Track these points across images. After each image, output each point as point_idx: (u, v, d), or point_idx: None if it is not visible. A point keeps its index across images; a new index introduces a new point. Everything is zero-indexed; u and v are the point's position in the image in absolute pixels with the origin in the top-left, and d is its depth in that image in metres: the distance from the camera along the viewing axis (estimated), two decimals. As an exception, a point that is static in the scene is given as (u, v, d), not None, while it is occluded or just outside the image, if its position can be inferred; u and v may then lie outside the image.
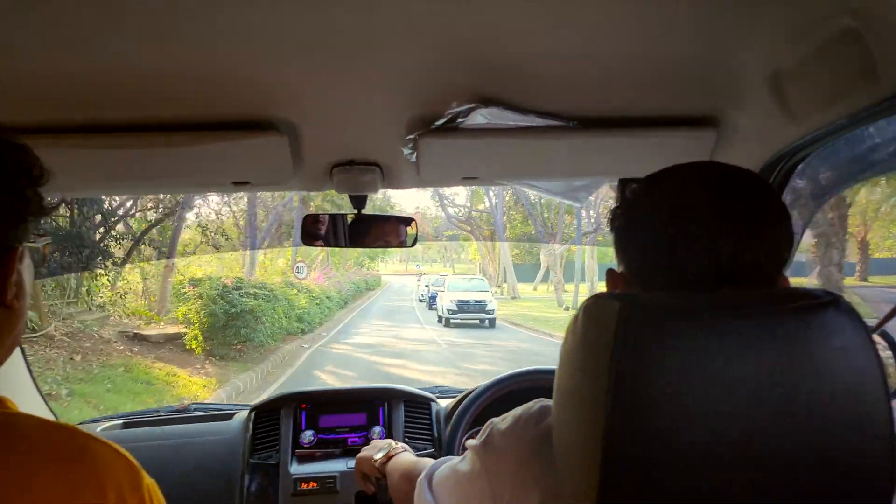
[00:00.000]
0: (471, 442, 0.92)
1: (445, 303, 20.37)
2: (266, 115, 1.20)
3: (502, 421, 0.88)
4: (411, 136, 1.26)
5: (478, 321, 19.98)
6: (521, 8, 0.88)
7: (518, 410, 0.87)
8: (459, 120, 1.18)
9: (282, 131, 1.23)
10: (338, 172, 1.46)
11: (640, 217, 0.78)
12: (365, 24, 0.90)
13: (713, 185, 0.75)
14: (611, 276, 0.83)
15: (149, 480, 0.76)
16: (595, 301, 0.64)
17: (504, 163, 1.41)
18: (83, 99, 1.10)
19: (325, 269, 26.28)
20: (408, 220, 1.73)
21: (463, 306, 19.87)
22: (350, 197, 1.61)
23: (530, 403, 0.87)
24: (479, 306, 19.94)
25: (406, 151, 1.31)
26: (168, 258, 15.20)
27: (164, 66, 1.01)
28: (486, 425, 0.90)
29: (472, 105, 1.13)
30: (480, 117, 1.17)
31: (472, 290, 21.34)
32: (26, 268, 0.76)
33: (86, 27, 0.88)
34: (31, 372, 1.80)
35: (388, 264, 76.74)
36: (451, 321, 19.76)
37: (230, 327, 11.64)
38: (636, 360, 0.58)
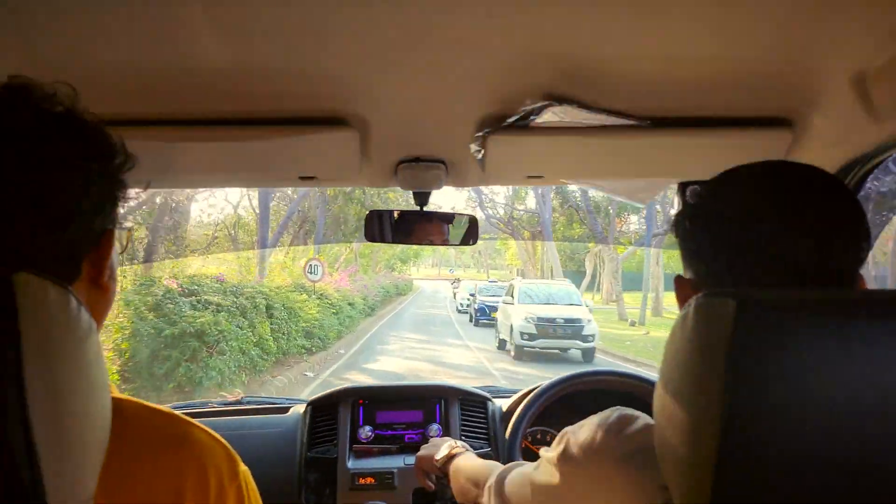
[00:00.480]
0: (546, 451, 0.91)
1: (518, 322, 13.49)
2: (338, 110, 1.22)
3: (579, 430, 0.86)
4: (479, 134, 1.26)
5: (562, 351, 13.65)
6: (602, 9, 0.88)
7: (595, 419, 0.85)
8: (530, 118, 1.18)
9: (352, 127, 1.25)
10: (403, 168, 1.48)
11: (712, 219, 0.76)
12: (445, 25, 0.91)
13: (789, 184, 0.73)
14: (679, 282, 0.81)
15: (244, 468, 0.79)
16: (706, 299, 0.62)
17: (571, 161, 1.41)
18: (161, 92, 1.13)
19: (350, 270, 22.60)
20: (470, 218, 1.74)
21: (547, 328, 13.28)
22: (413, 193, 1.62)
23: (608, 412, 0.85)
24: (573, 329, 13.40)
25: (473, 149, 1.32)
26: (145, 262, 12.56)
27: (243, 62, 1.03)
28: (560, 434, 0.89)
29: (544, 103, 1.13)
30: (551, 115, 1.17)
31: (559, 301, 14.69)
32: (115, 251, 0.79)
33: (168, 22, 0.90)
34: None
35: (420, 268, 73.84)
36: (527, 349, 13.26)
37: (162, 358, 7.35)
38: (755, 361, 0.57)
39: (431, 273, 72.40)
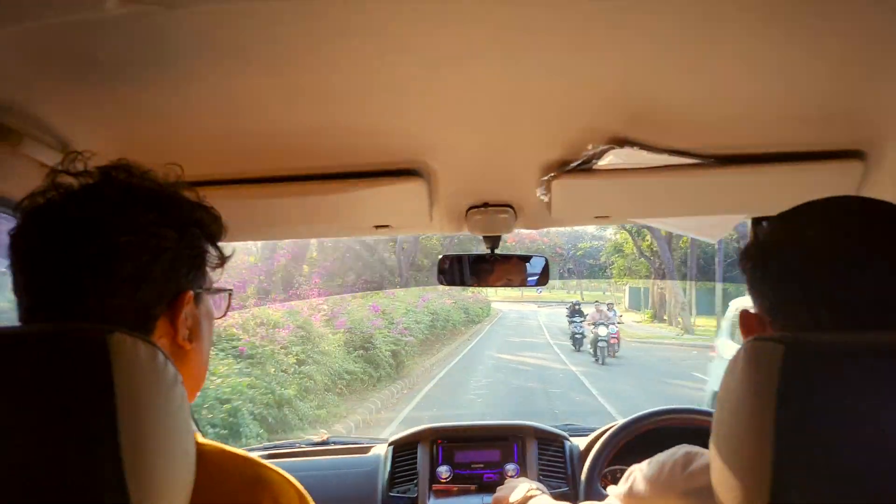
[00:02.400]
0: (614, 489, 0.92)
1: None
2: (409, 162, 1.28)
3: (645, 467, 0.87)
4: (545, 178, 1.30)
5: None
6: (661, 52, 0.90)
7: (662, 457, 0.87)
8: (593, 161, 1.22)
9: (422, 177, 1.31)
10: (472, 214, 1.53)
11: (779, 254, 0.76)
12: (509, 77, 0.96)
13: (858, 219, 0.72)
14: (745, 316, 0.80)
15: None
16: (756, 342, 0.62)
17: (637, 201, 1.43)
18: (246, 154, 1.23)
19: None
20: (541, 259, 1.78)
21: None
22: (483, 238, 1.68)
23: (674, 450, 0.87)
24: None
25: (539, 193, 1.36)
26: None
27: (320, 122, 1.10)
28: (628, 471, 0.90)
29: (607, 146, 1.16)
30: (615, 157, 1.20)
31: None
32: (205, 313, 0.85)
33: (253, 91, 0.99)
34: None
35: (499, 290, 70.44)
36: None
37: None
38: (803, 406, 0.57)
39: (512, 294, 61.44)
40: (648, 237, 24.75)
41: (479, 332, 22.75)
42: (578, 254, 38.61)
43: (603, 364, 14.57)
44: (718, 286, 21.55)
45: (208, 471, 0.74)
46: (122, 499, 0.57)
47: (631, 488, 0.87)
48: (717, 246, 20.27)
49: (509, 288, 1.85)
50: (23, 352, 0.59)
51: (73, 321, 0.70)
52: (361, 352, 10.97)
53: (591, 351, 15.57)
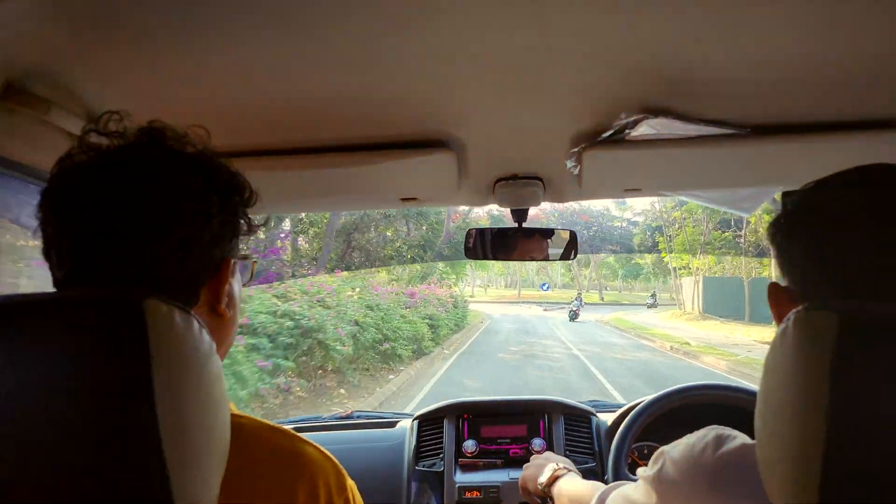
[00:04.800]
0: (643, 471, 0.91)
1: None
2: (437, 133, 1.27)
3: (674, 449, 0.86)
4: (575, 150, 1.28)
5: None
6: (695, 15, 0.87)
7: (692, 438, 0.85)
8: (626, 131, 1.19)
9: (451, 148, 1.30)
10: (500, 187, 1.51)
11: (806, 226, 0.75)
12: (539, 44, 0.94)
13: (885, 187, 0.71)
14: (774, 290, 0.80)
15: (351, 482, 0.84)
16: (807, 312, 0.60)
17: (670, 173, 1.40)
18: (274, 124, 1.22)
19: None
20: (571, 233, 1.75)
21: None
22: (511, 211, 1.66)
23: (704, 431, 0.85)
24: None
25: (569, 164, 1.33)
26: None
27: (349, 91, 1.09)
28: (657, 453, 0.89)
29: (640, 116, 1.13)
30: (647, 128, 1.17)
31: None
32: (237, 281, 0.85)
33: (282, 59, 0.98)
34: None
35: (491, 287, 58.21)
36: None
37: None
38: (860, 377, 0.56)
39: (507, 294, 53.71)
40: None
41: (447, 359, 13.67)
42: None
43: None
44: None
45: (245, 444, 0.74)
46: (160, 467, 0.57)
47: (660, 471, 0.85)
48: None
49: (535, 261, 1.82)
50: (58, 317, 0.59)
51: (118, 286, 0.69)
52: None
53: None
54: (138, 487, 0.58)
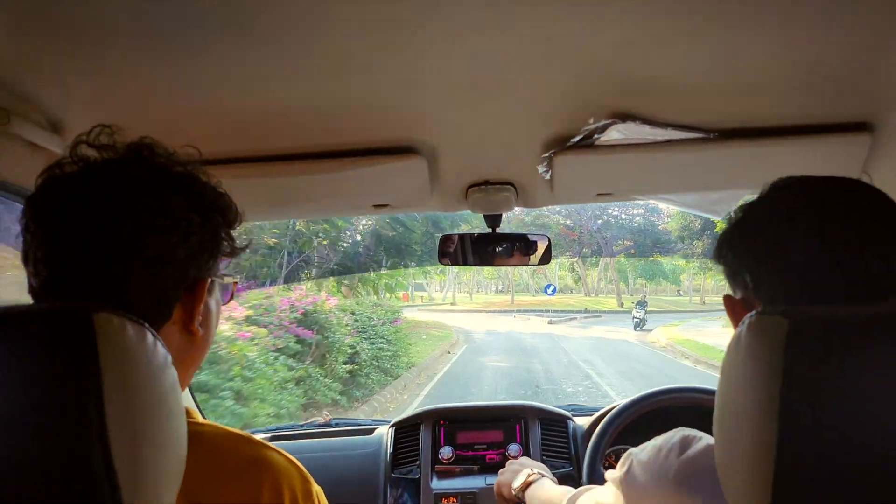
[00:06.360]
0: (611, 473, 0.92)
1: None
2: (408, 139, 1.27)
3: (642, 451, 0.88)
4: (546, 155, 1.28)
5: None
6: (659, 22, 0.88)
7: (658, 440, 0.87)
8: (595, 136, 1.20)
9: (422, 154, 1.30)
10: (473, 192, 1.51)
11: (748, 237, 0.77)
12: (506, 51, 0.94)
13: (821, 195, 0.73)
14: (729, 302, 0.81)
15: (317, 488, 0.83)
16: (758, 317, 0.62)
17: (640, 177, 1.41)
18: (243, 131, 1.21)
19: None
20: (542, 237, 1.76)
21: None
22: (484, 216, 1.66)
23: (671, 433, 0.86)
24: None
25: (541, 170, 1.34)
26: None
27: (319, 99, 1.09)
28: (624, 456, 0.90)
29: (609, 121, 1.14)
30: (616, 133, 1.18)
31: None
32: (214, 301, 0.85)
33: (249, 67, 0.97)
34: None
35: (480, 293, 49.68)
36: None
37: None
38: (810, 379, 0.56)
39: (497, 301, 41.65)
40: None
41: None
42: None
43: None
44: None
45: (206, 452, 0.74)
46: (110, 480, 0.57)
47: (627, 473, 0.87)
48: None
49: (509, 266, 1.79)
50: (12, 329, 0.58)
51: (87, 300, 0.68)
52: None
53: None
54: (88, 502, 0.57)
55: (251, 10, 0.82)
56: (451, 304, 40.01)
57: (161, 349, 0.63)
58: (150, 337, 0.62)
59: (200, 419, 0.79)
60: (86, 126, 0.77)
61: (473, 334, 20.09)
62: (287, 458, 0.81)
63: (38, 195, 0.72)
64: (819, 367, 0.56)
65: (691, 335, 18.48)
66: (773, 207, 0.76)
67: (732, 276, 0.80)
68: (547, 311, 28.64)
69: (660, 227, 25.02)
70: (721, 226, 0.85)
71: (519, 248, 1.76)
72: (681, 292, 43.66)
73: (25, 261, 0.72)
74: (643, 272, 40.89)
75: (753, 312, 0.62)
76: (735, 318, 0.79)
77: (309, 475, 0.83)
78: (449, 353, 15.90)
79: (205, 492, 0.71)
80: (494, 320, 26.16)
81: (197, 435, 0.71)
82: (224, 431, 0.80)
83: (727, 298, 0.81)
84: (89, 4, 0.80)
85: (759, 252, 0.75)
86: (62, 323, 0.57)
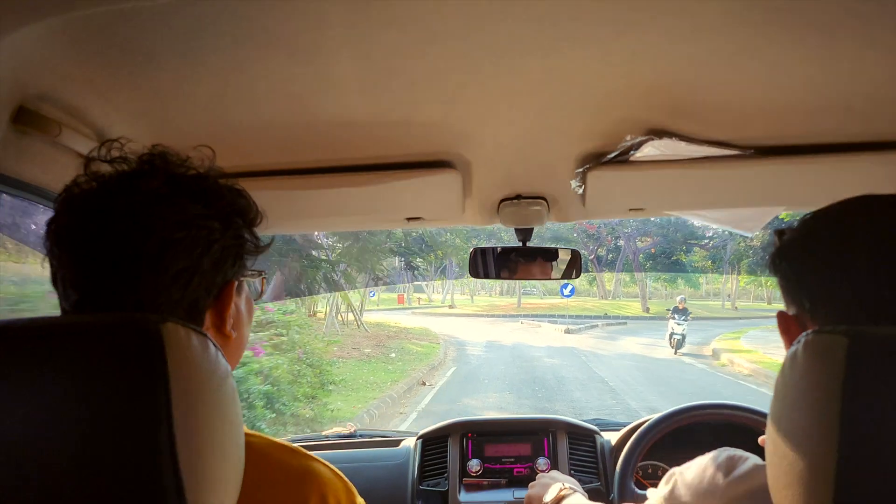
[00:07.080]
0: (654, 492, 0.91)
1: None
2: (444, 153, 1.28)
3: (686, 470, 0.86)
4: (580, 170, 1.29)
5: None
6: (700, 42, 0.88)
7: (704, 460, 0.86)
8: (630, 152, 1.20)
9: (456, 168, 1.31)
10: (505, 206, 1.52)
11: (805, 256, 0.76)
12: (547, 69, 0.95)
13: (878, 216, 0.72)
14: (782, 318, 0.80)
15: (360, 500, 0.84)
16: (816, 336, 0.61)
17: (673, 193, 1.40)
18: (282, 146, 1.23)
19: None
20: (574, 252, 1.76)
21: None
22: (515, 230, 1.66)
23: (715, 453, 0.85)
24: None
25: (574, 184, 1.34)
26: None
27: (357, 113, 1.10)
28: (668, 474, 0.89)
29: (645, 137, 1.14)
30: (652, 149, 1.18)
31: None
32: (244, 300, 0.85)
33: (289, 82, 0.99)
34: None
35: (481, 295, 46.73)
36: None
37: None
38: (870, 400, 0.56)
39: (503, 303, 37.90)
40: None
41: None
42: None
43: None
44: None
45: (256, 462, 0.74)
46: (177, 491, 0.57)
47: (671, 492, 0.86)
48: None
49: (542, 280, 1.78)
50: (76, 341, 0.59)
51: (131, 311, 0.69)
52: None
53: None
54: None
55: (296, 29, 0.84)
56: (450, 306, 36.86)
57: (222, 359, 0.64)
58: (211, 347, 0.63)
59: (247, 429, 0.80)
60: (132, 137, 0.78)
61: (468, 348, 15.68)
62: (332, 470, 0.82)
63: (57, 218, 0.72)
64: (879, 388, 0.56)
65: (768, 353, 13.96)
66: (835, 222, 0.75)
67: (788, 290, 0.79)
68: (561, 316, 25.03)
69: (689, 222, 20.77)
70: (785, 216, 0.84)
71: (548, 262, 1.76)
72: (705, 294, 41.61)
73: (54, 283, 0.73)
74: (664, 271, 32.90)
75: (811, 331, 0.62)
76: (788, 335, 0.78)
77: (353, 487, 0.83)
78: (424, 384, 11.24)
79: (254, 500, 0.72)
80: (498, 328, 22.40)
81: (248, 445, 0.71)
82: (270, 441, 0.81)
83: (781, 315, 0.80)
84: (138, 26, 0.82)
85: (817, 267, 0.74)
86: (132, 333, 0.58)
